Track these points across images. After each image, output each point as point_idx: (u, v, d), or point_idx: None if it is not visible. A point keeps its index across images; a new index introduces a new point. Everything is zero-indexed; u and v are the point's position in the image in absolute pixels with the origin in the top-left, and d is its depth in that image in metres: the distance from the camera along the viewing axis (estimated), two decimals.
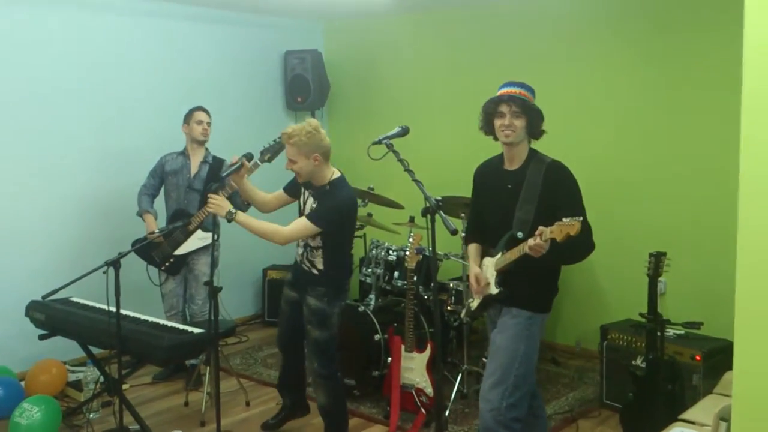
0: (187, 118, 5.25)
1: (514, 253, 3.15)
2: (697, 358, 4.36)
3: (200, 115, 5.23)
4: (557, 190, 3.22)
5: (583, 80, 5.70)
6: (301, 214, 4.02)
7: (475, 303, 3.49)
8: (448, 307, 5.05)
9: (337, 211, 3.87)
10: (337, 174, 3.94)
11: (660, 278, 4.11)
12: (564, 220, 2.90)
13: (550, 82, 5.86)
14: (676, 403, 3.97)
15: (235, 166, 3.90)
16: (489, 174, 3.45)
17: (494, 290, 3.30)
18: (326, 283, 3.96)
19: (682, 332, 4.60)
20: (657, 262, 4.04)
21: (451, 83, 6.38)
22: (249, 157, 3.88)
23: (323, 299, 3.95)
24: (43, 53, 5.44)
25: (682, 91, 5.19)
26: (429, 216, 2.69)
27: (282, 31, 7.10)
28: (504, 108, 3.25)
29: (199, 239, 5.18)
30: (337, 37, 7.38)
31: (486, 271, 3.37)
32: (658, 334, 4.05)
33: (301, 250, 4.04)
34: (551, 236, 2.93)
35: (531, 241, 2.99)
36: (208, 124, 5.26)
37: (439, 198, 2.75)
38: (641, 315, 4.14)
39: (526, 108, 3.24)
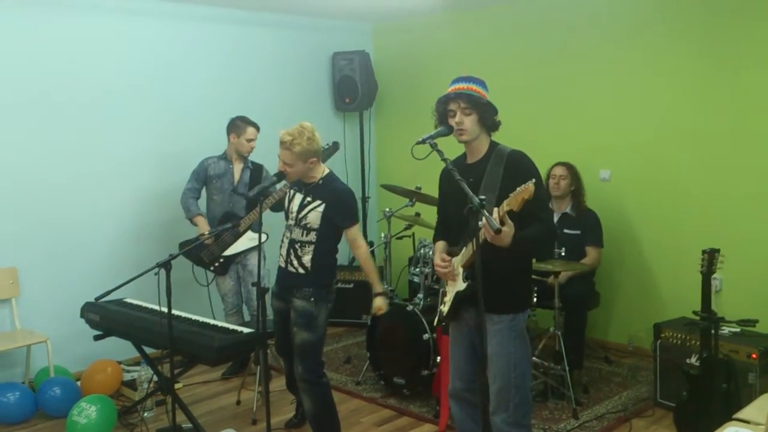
0: (238, 129, 5.36)
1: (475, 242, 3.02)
2: (753, 356, 4.26)
3: (252, 133, 5.37)
4: (518, 175, 3.07)
5: (634, 74, 5.60)
6: (287, 213, 4.05)
7: (446, 307, 3.37)
8: None
9: (352, 200, 4.01)
10: (327, 170, 4.02)
11: (715, 275, 4.03)
12: (517, 189, 2.84)
13: (599, 77, 5.80)
14: (732, 402, 3.88)
15: (265, 189, 3.96)
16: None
17: (461, 285, 3.19)
18: (313, 284, 3.94)
19: (738, 330, 4.50)
20: (711, 259, 3.96)
21: (499, 81, 6.27)
22: (280, 176, 3.93)
23: (310, 300, 3.93)
24: (103, 59, 5.60)
25: (736, 84, 5.07)
26: (472, 216, 2.66)
27: (330, 33, 7.14)
28: (453, 106, 3.19)
29: (249, 240, 5.33)
30: (385, 38, 7.38)
31: (455, 267, 3.27)
32: (713, 332, 3.97)
33: (285, 251, 4.03)
34: (508, 209, 2.86)
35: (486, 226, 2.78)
36: (255, 140, 5.40)
37: (483, 197, 2.71)
38: (695, 313, 4.06)
39: (475, 103, 3.16)
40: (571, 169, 5.38)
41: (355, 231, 4.00)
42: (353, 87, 6.98)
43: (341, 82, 7.03)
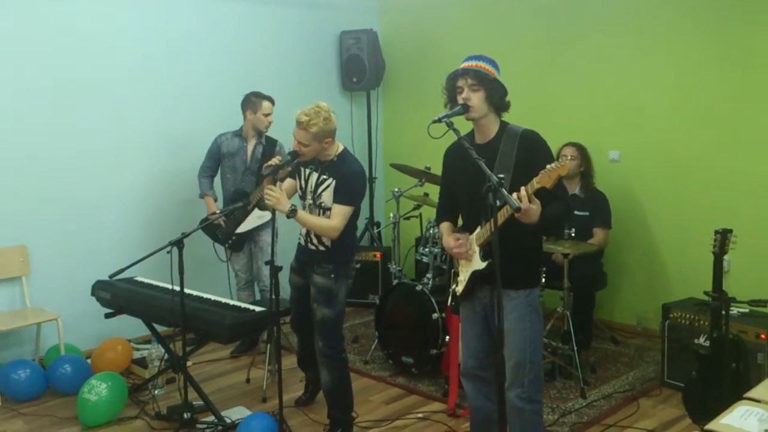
0: (254, 106, 5.29)
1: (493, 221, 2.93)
2: (762, 336, 4.28)
3: (267, 107, 5.31)
4: (533, 155, 3.08)
5: (643, 55, 5.58)
6: (303, 192, 4.02)
7: (460, 287, 3.36)
8: None
9: (357, 183, 3.94)
10: (341, 147, 3.97)
11: (724, 256, 4.03)
12: (547, 167, 2.82)
13: (609, 57, 5.78)
14: (741, 382, 3.90)
15: (276, 168, 3.84)
16: (459, 152, 3.22)
17: (481, 264, 3.18)
18: (334, 260, 3.94)
19: (746, 310, 4.52)
20: (723, 240, 3.96)
21: (508, 61, 6.26)
22: (294, 155, 3.89)
23: (330, 277, 3.94)
24: (111, 37, 5.60)
25: (745, 65, 5.05)
26: (491, 195, 2.65)
27: (337, 12, 7.11)
28: (461, 82, 3.17)
29: (257, 218, 5.32)
30: (393, 16, 7.35)
31: (470, 246, 3.27)
32: (723, 312, 3.98)
33: (305, 230, 4.03)
34: (539, 186, 2.84)
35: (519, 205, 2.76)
36: (271, 114, 5.35)
37: (502, 176, 2.71)
38: (706, 293, 4.07)
39: (482, 80, 3.14)
40: (580, 149, 5.38)
41: (342, 211, 3.86)
42: (361, 66, 6.96)
43: (349, 61, 7.00)
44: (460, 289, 3.36)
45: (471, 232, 3.27)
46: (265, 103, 5.29)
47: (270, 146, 5.34)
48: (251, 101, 5.31)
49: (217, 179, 5.56)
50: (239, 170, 5.37)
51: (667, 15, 5.42)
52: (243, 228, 5.36)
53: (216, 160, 5.48)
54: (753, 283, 4.94)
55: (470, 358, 3.43)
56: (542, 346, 3.46)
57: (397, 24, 7.32)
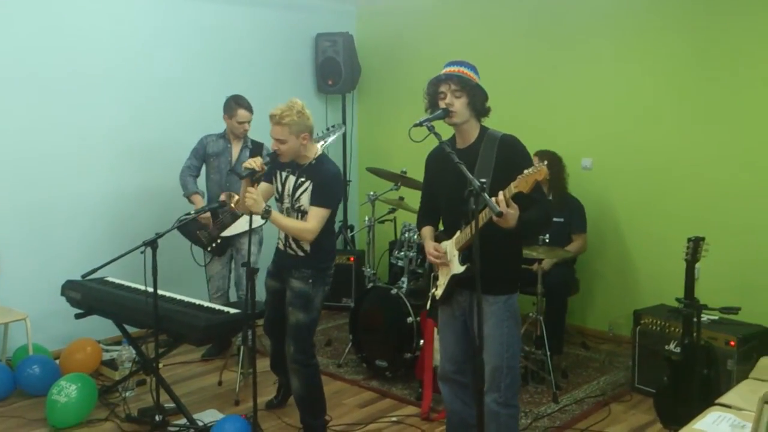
0: (230, 111, 5.25)
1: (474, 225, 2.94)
2: (732, 343, 4.35)
3: (243, 115, 5.25)
4: (513, 159, 3.11)
5: (617, 62, 5.65)
6: (280, 196, 3.98)
7: (439, 291, 3.38)
8: None
9: (334, 185, 3.91)
10: (320, 150, 3.97)
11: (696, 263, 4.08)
12: (525, 171, 2.85)
13: (583, 65, 5.83)
14: (711, 388, 3.95)
15: (253, 171, 3.76)
16: (441, 157, 3.24)
17: (459, 268, 3.21)
18: (312, 265, 3.92)
19: (716, 317, 4.58)
20: (695, 247, 4.01)
21: (482, 67, 6.31)
22: (273, 157, 3.87)
23: (308, 281, 3.91)
24: (86, 37, 5.53)
25: (721, 74, 5.13)
26: (473, 199, 2.66)
27: (313, 14, 7.09)
28: (443, 88, 3.20)
29: (247, 222, 5.21)
30: (369, 19, 7.35)
31: (447, 252, 3.29)
32: (695, 319, 4.03)
33: (283, 235, 3.99)
34: (516, 191, 2.87)
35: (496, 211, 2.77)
36: (249, 122, 5.30)
37: (484, 180, 2.71)
38: (678, 300, 4.12)
39: (465, 86, 3.18)
40: (546, 155, 5.31)
41: (318, 213, 3.81)
42: (336, 69, 6.95)
43: (324, 63, 6.99)
44: (439, 293, 3.37)
45: (451, 236, 3.28)
46: (241, 111, 5.24)
47: (257, 150, 5.29)
48: (230, 105, 5.26)
49: (200, 180, 5.49)
50: (223, 171, 5.34)
51: (642, 23, 5.49)
52: (230, 232, 5.28)
53: (201, 159, 5.42)
54: (723, 291, 5.00)
55: (448, 361, 3.44)
56: (519, 350, 3.47)
57: (373, 28, 7.33)
